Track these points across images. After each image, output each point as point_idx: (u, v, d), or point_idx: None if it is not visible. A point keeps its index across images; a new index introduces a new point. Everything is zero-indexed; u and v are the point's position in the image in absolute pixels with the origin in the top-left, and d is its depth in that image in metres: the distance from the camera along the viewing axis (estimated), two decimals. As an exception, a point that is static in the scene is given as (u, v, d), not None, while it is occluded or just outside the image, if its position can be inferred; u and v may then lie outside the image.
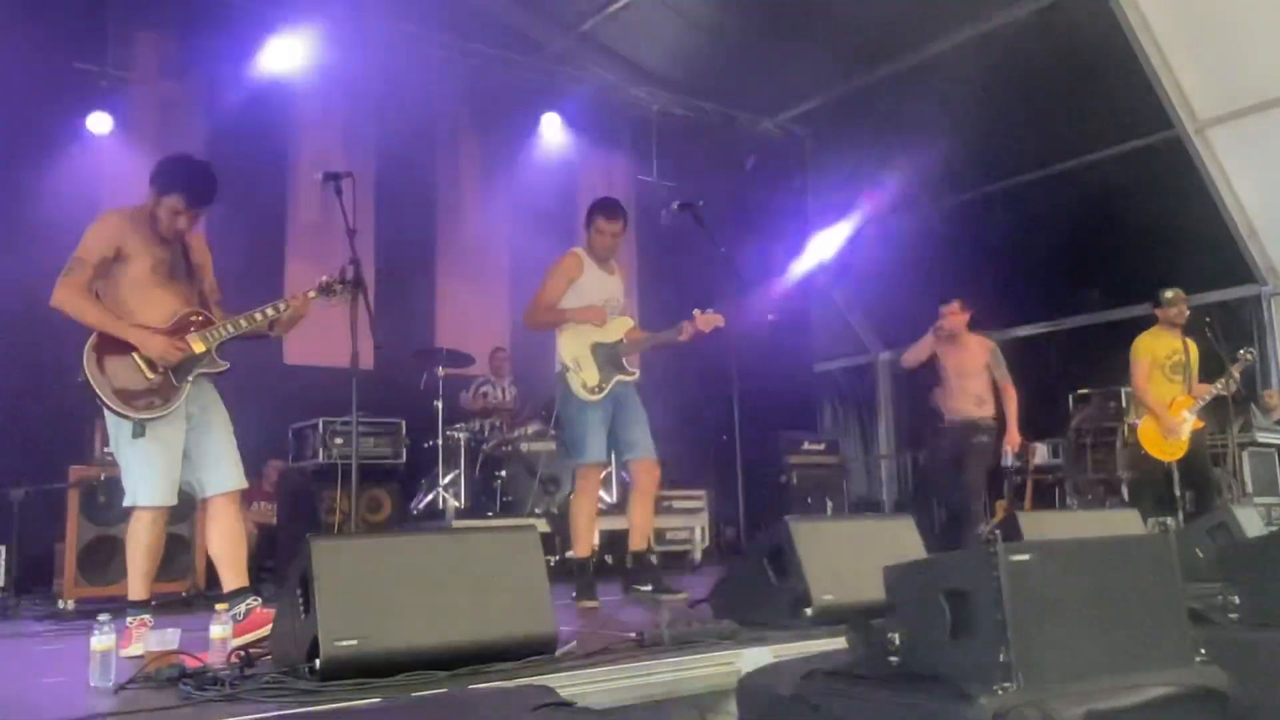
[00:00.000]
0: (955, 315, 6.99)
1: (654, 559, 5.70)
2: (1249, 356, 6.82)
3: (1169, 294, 6.75)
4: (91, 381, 3.65)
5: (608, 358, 5.18)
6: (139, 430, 3.69)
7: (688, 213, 5.59)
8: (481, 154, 9.75)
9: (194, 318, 3.89)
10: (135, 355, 3.72)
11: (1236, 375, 6.72)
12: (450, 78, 8.96)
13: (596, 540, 7.50)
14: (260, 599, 3.76)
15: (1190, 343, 6.78)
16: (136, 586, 3.78)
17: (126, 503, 3.76)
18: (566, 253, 5.32)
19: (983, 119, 9.37)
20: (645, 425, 5.28)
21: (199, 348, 3.84)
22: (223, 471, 3.88)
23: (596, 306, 5.16)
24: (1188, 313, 6.76)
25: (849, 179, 11.17)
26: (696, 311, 5.21)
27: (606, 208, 5.30)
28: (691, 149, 10.46)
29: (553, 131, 9.77)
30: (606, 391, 5.13)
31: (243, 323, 3.95)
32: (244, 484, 3.96)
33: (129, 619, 3.68)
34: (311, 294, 4.09)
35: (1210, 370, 6.86)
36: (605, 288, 5.28)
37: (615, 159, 10.33)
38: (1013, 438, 6.96)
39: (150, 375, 3.73)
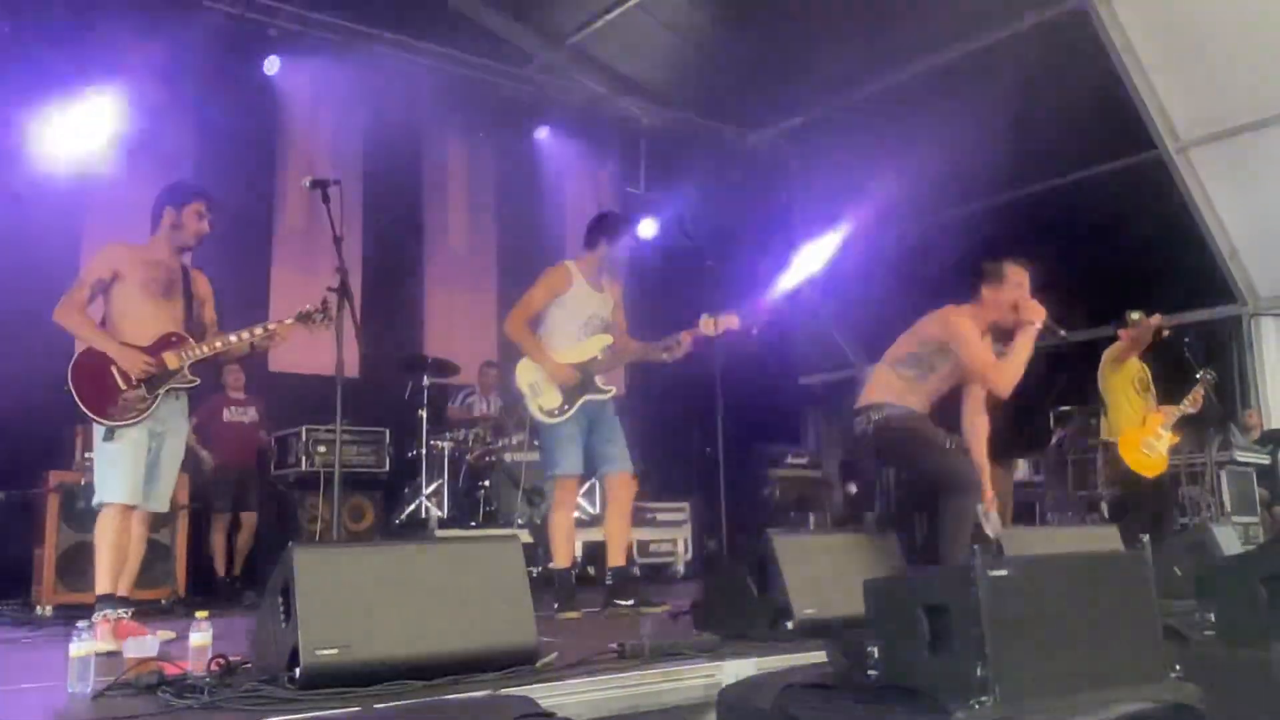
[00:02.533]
0: None
1: (635, 572, 5.67)
2: (1210, 378, 6.92)
3: (1135, 315, 6.88)
4: (73, 390, 4.01)
5: (578, 379, 5.12)
6: (108, 434, 4.04)
7: (675, 225, 5.63)
8: (469, 164, 9.77)
9: (172, 338, 4.22)
10: (113, 368, 4.06)
11: (1201, 394, 6.83)
12: (439, 88, 8.97)
13: (579, 552, 7.54)
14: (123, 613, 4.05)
15: (1144, 365, 6.92)
16: (103, 581, 4.02)
17: (95, 501, 4.08)
18: (556, 265, 5.30)
19: (966, 137, 9.42)
20: (620, 439, 5.24)
21: (172, 364, 4.17)
22: (156, 496, 4.26)
23: (563, 367, 5.10)
24: (1149, 339, 6.90)
25: (834, 194, 11.23)
26: (705, 317, 5.13)
27: (627, 222, 5.44)
28: (679, 162, 10.51)
29: (541, 143, 9.80)
30: (570, 413, 5.07)
31: (218, 344, 4.30)
32: (166, 508, 4.43)
33: (97, 614, 3.89)
34: (289, 322, 4.34)
35: (1169, 392, 6.97)
36: (591, 304, 5.25)
37: (603, 170, 10.36)
38: None
39: (124, 386, 4.07)
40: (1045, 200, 9.67)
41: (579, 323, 5.21)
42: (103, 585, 4.03)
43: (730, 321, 5.17)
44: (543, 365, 5.10)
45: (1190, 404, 6.77)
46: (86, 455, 6.05)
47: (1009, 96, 8.72)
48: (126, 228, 7.45)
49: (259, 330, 4.32)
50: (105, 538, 4.05)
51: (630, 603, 5.03)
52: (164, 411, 4.20)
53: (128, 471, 4.06)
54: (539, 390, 5.11)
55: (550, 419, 5.09)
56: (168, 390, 4.17)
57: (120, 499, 4.05)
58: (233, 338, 4.31)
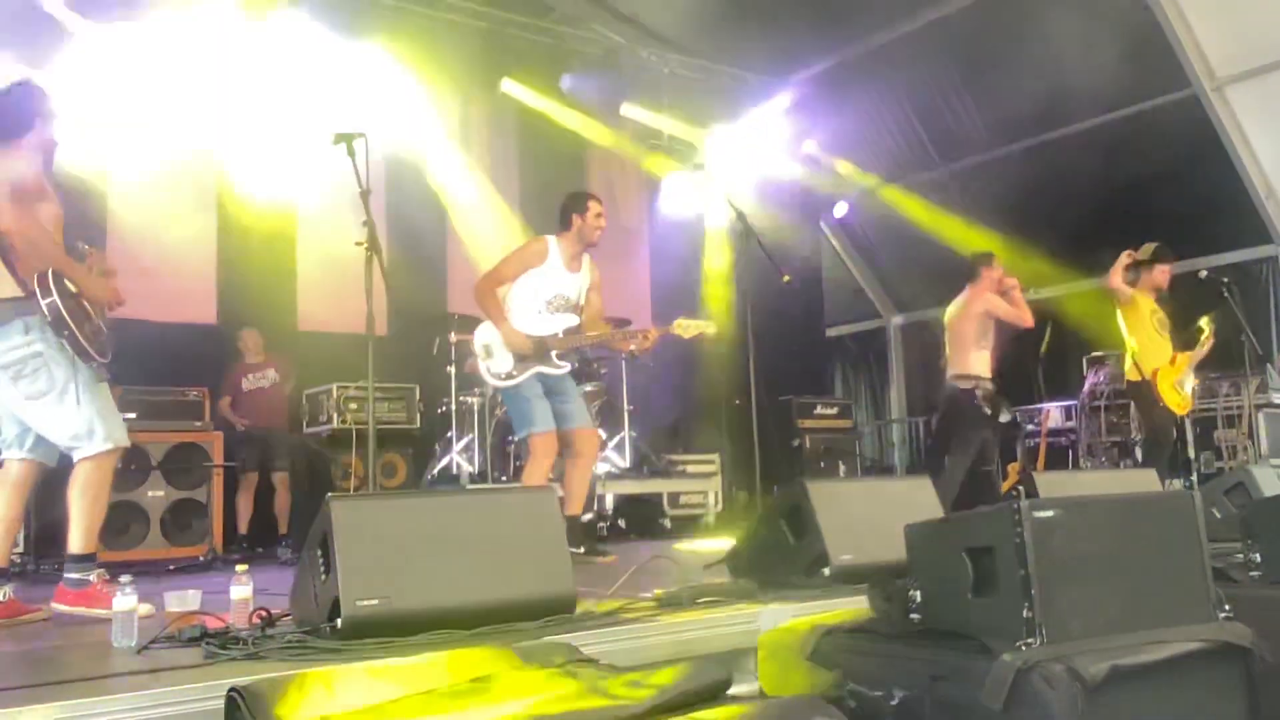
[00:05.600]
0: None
1: (587, 519, 6.11)
2: (1211, 325, 6.86)
3: (1164, 264, 6.85)
4: (67, 318, 3.49)
5: (531, 349, 5.20)
6: (104, 375, 3.66)
7: (703, 174, 5.61)
8: (491, 117, 9.68)
9: (87, 256, 3.80)
10: (83, 299, 3.60)
11: (1210, 340, 6.82)
12: (459, 40, 8.88)
13: (610, 505, 7.58)
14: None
15: (1159, 307, 6.86)
16: (94, 539, 3.62)
17: (100, 448, 3.59)
18: (536, 238, 5.37)
19: (996, 78, 9.26)
20: (581, 401, 5.42)
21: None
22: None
23: (517, 333, 5.17)
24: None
25: (861, 140, 11.08)
26: (680, 320, 5.21)
27: (591, 194, 5.44)
28: (702, 111, 10.38)
29: (562, 94, 9.69)
30: (517, 379, 5.17)
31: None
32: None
33: (92, 575, 3.53)
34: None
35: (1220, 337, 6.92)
36: (559, 284, 5.30)
37: (625, 122, 10.24)
38: None
39: (97, 321, 3.66)
40: (1079, 141, 9.51)
41: (542, 300, 5.28)
42: (94, 543, 3.62)
43: (706, 328, 5.26)
44: (500, 330, 5.18)
45: (1202, 348, 6.77)
46: (124, 415, 6.10)
47: (1041, 36, 8.54)
48: (150, 184, 7.56)
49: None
50: (104, 489, 3.65)
51: (580, 550, 5.10)
52: None
53: (116, 410, 3.69)
54: (491, 352, 5.24)
55: (497, 381, 5.24)
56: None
57: (125, 440, 3.68)
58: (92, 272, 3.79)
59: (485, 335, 5.28)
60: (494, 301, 5.25)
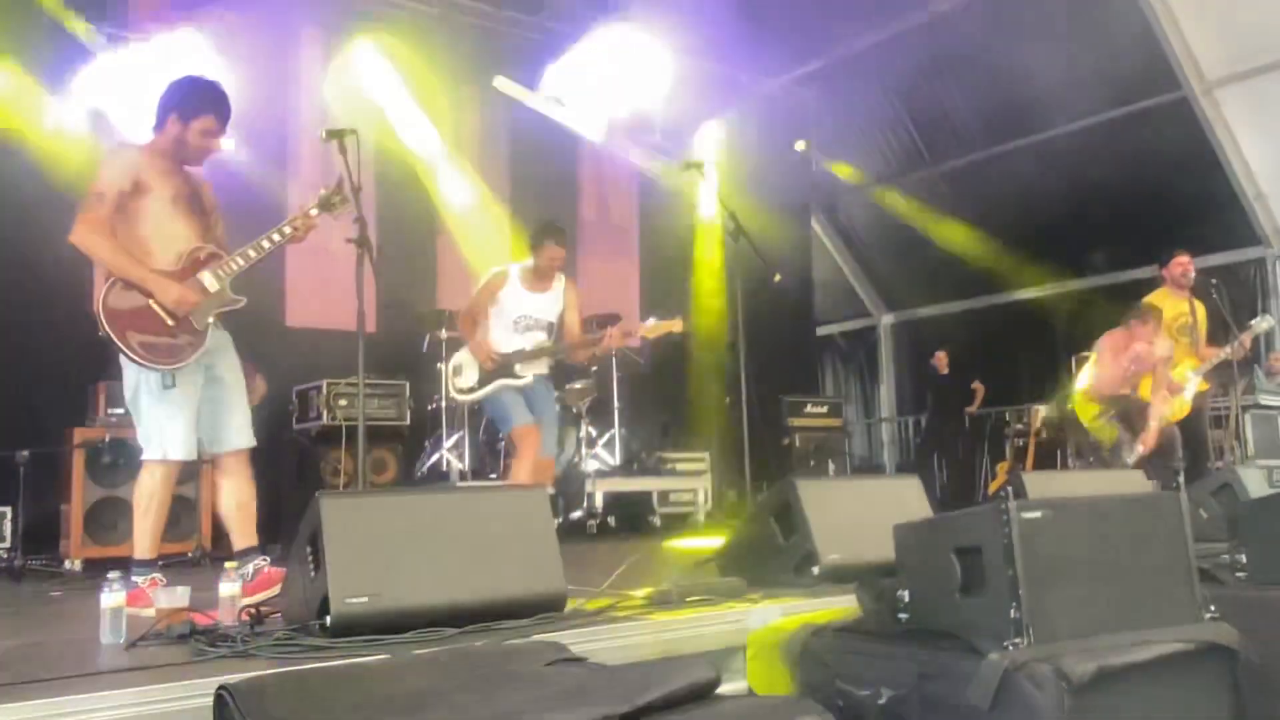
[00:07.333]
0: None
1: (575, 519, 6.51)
2: (1265, 325, 6.80)
3: (1178, 255, 6.84)
4: (112, 334, 3.58)
5: (497, 362, 5.61)
6: (169, 381, 3.65)
7: (695, 172, 5.67)
8: (481, 114, 9.66)
9: (201, 254, 3.80)
10: (152, 303, 3.63)
11: (1246, 342, 6.72)
12: (451, 36, 8.86)
13: (600, 502, 7.59)
14: (268, 559, 3.75)
15: (1198, 304, 6.81)
16: (146, 545, 3.68)
17: (151, 456, 3.67)
18: (497, 272, 5.74)
19: (988, 78, 9.29)
20: (552, 425, 5.74)
21: (213, 286, 3.77)
22: (235, 428, 3.87)
23: (485, 344, 5.60)
24: (1193, 273, 6.79)
25: (853, 138, 11.11)
26: (651, 321, 5.55)
27: (556, 232, 5.69)
28: (694, 108, 10.37)
29: (552, 89, 9.67)
30: (479, 392, 5.64)
31: (251, 253, 3.87)
32: (254, 441, 3.95)
33: (140, 578, 3.58)
34: (314, 212, 3.99)
35: (1214, 333, 6.89)
36: (525, 305, 5.66)
37: (617, 118, 10.22)
38: None
39: (170, 323, 3.66)
40: (1070, 142, 9.55)
41: (510, 320, 5.66)
42: (145, 550, 3.66)
43: (671, 326, 5.53)
44: (471, 348, 5.66)
45: (1233, 351, 6.66)
46: (110, 411, 6.09)
47: (1029, 38, 8.58)
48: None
49: (286, 229, 3.89)
50: (155, 498, 3.66)
51: None
52: (210, 340, 3.79)
53: (189, 421, 3.69)
54: (460, 371, 5.74)
55: (460, 395, 5.79)
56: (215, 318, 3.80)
57: (181, 455, 3.67)
58: (264, 243, 3.87)
59: (459, 356, 5.82)
60: (469, 328, 5.76)
